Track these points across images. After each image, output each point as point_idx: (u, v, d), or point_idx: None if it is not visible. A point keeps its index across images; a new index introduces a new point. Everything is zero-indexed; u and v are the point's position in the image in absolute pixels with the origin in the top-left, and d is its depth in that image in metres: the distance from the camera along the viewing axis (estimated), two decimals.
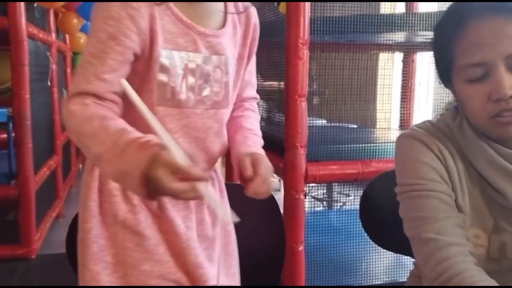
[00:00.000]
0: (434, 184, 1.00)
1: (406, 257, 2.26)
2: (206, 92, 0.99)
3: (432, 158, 1.02)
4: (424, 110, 2.45)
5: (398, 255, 2.33)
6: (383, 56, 2.58)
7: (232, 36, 1.05)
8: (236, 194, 1.26)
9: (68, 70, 4.81)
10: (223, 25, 1.03)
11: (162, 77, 0.92)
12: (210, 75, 0.99)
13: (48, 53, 3.82)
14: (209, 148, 1.04)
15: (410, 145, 1.05)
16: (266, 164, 0.99)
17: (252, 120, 1.15)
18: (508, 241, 1.02)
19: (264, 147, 1.12)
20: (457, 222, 0.98)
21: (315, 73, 2.42)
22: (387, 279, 2.31)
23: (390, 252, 2.35)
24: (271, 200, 1.38)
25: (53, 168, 3.82)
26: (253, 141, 1.08)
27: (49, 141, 3.90)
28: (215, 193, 0.84)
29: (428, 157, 1.02)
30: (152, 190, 0.77)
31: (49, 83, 3.85)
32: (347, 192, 4.22)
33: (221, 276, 1.06)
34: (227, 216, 0.82)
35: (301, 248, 2.01)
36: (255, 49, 1.14)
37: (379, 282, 2.28)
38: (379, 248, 2.36)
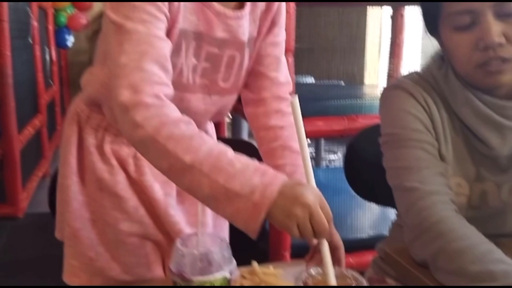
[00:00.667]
0: (417, 133, 1.00)
1: (390, 211, 2.29)
2: (212, 77, 0.92)
3: (417, 108, 1.01)
4: (413, 66, 2.44)
5: (383, 209, 2.37)
6: (371, 12, 2.54)
7: (251, 11, 0.94)
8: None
9: (50, 27, 4.68)
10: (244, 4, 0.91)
11: (174, 58, 0.85)
12: (221, 60, 0.92)
13: (28, 9, 3.70)
14: (201, 127, 1.01)
15: (395, 95, 1.05)
16: (338, 240, 0.90)
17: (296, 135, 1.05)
18: (489, 189, 1.03)
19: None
20: (439, 171, 0.99)
21: (303, 30, 2.38)
22: (372, 233, 2.35)
23: (375, 207, 2.39)
24: (258, 157, 1.38)
25: (37, 128, 3.77)
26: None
27: (33, 100, 3.84)
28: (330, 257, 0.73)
29: (413, 106, 1.01)
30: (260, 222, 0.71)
31: (30, 40, 3.74)
32: (334, 150, 4.25)
33: None
34: (333, 279, 0.72)
35: None
36: (281, 22, 0.98)
37: (364, 236, 2.32)
38: (365, 203, 2.40)
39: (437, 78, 1.04)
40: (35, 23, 3.83)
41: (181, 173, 0.73)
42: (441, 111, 1.02)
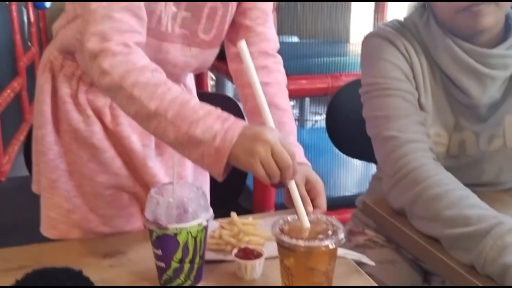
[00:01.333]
0: (397, 82, 0.99)
1: (373, 168, 2.32)
2: (193, 27, 0.89)
3: (397, 56, 1.00)
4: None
5: (365, 168, 2.40)
6: None
7: None
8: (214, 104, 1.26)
9: None
10: None
11: (152, 4, 0.82)
12: (202, 11, 0.88)
13: None
14: (181, 80, 0.99)
15: (375, 43, 1.03)
16: (321, 186, 0.88)
17: (284, 93, 0.97)
18: (467, 138, 1.03)
19: (225, 59, 1.05)
20: (418, 119, 0.98)
21: None
22: (355, 191, 2.38)
23: (358, 166, 2.41)
24: (238, 110, 1.36)
25: (17, 91, 3.69)
26: (293, 134, 0.94)
27: (11, 62, 3.74)
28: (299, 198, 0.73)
29: (393, 55, 1.00)
30: (228, 168, 0.73)
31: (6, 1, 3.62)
32: (319, 111, 4.24)
33: None
34: (306, 221, 0.72)
35: None
36: None
37: (348, 194, 2.35)
38: (348, 162, 2.42)
39: (418, 26, 1.02)
40: None
41: (147, 119, 0.75)
42: (421, 59, 1.01)
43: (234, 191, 1.64)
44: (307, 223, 0.71)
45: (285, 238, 0.67)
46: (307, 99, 3.51)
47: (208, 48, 0.95)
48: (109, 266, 0.83)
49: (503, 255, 0.75)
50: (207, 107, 0.75)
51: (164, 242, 0.73)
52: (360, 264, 0.85)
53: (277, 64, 0.99)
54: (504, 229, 0.77)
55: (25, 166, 1.12)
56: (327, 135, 1.56)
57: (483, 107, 1.02)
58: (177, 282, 0.75)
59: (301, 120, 3.63)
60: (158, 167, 0.95)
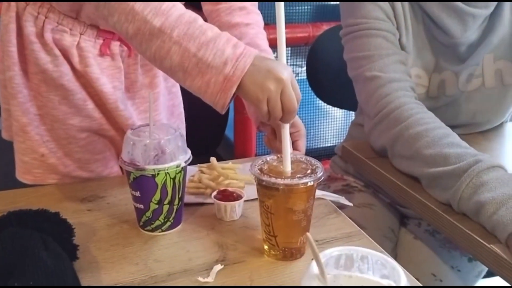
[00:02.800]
0: (379, 22, 0.98)
1: (353, 118, 2.33)
2: None
3: (386, 9, 0.98)
4: None
5: (346, 119, 2.40)
6: None
7: None
8: None
9: None
10: None
11: None
12: None
13: None
14: None
15: None
16: (303, 129, 0.84)
17: (263, 35, 0.92)
18: (447, 78, 1.04)
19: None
20: (400, 59, 0.98)
21: None
22: (336, 142, 2.39)
23: (339, 117, 2.42)
24: None
25: None
26: None
27: None
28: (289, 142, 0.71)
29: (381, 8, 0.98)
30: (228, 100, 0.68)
31: None
32: (300, 64, 4.21)
33: None
34: (288, 166, 0.70)
35: None
36: None
37: (329, 144, 2.36)
38: (329, 114, 2.42)
39: None
40: None
41: (149, 38, 0.68)
42: None
43: (212, 141, 1.63)
44: (289, 168, 0.70)
45: (265, 178, 0.67)
46: (288, 51, 3.46)
47: None
48: (87, 210, 0.82)
49: (478, 192, 0.77)
50: (216, 29, 0.69)
51: (142, 184, 0.72)
52: (338, 206, 0.86)
53: (254, 7, 0.95)
54: (482, 167, 0.78)
55: None
56: (308, 87, 1.55)
57: (463, 47, 1.02)
58: (156, 223, 0.75)
59: None
60: (131, 110, 0.93)
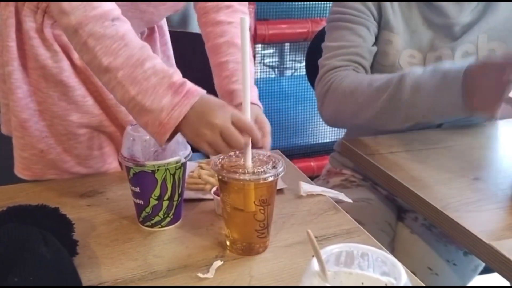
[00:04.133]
0: (353, 13, 1.06)
1: None
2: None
3: None
4: None
5: None
6: None
7: None
8: (182, 42, 1.22)
9: None
10: None
11: None
12: None
13: None
14: (154, 21, 0.96)
15: None
16: (268, 126, 0.81)
17: None
18: (443, 54, 1.08)
19: None
20: (356, 51, 1.07)
21: None
22: (333, 138, 2.39)
23: None
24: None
25: None
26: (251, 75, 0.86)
27: None
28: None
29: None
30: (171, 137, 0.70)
31: None
32: (299, 59, 4.20)
33: None
34: (249, 162, 0.69)
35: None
36: None
37: (326, 140, 2.36)
38: None
39: None
40: None
41: (98, 72, 0.72)
42: None
43: None
44: (249, 163, 0.69)
45: (224, 173, 0.66)
46: (287, 46, 3.46)
47: None
48: (87, 206, 0.82)
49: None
50: (162, 72, 0.70)
51: (141, 179, 0.72)
52: (338, 201, 0.86)
53: (242, 6, 0.95)
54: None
55: None
56: (307, 82, 1.55)
57: (458, 27, 1.07)
58: (156, 219, 0.75)
59: (280, 68, 3.60)
60: None
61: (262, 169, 0.66)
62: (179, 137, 0.74)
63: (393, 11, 1.05)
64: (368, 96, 0.99)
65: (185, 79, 0.71)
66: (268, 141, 0.79)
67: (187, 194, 0.82)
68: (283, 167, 0.68)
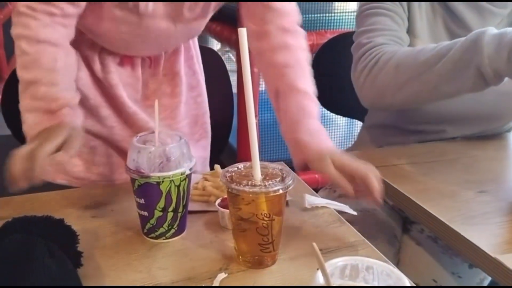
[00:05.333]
0: (389, 4, 1.06)
1: (356, 126, 2.33)
2: (177, 6, 0.83)
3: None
4: None
5: (349, 126, 2.40)
6: None
7: None
8: None
9: None
10: None
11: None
12: None
13: None
14: (167, 48, 0.96)
15: None
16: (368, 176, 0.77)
17: (304, 72, 0.89)
18: None
19: (214, 19, 0.99)
20: (398, 35, 1.05)
21: None
22: (340, 148, 2.39)
23: (342, 125, 2.42)
24: (221, 64, 1.34)
25: None
26: (312, 117, 0.85)
27: None
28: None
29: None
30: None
31: None
32: None
33: None
34: (258, 174, 0.68)
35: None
36: None
37: None
38: (332, 122, 2.42)
39: None
40: None
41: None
42: None
43: (217, 148, 1.63)
44: (259, 176, 0.68)
45: (233, 185, 0.66)
46: None
47: (194, 21, 0.91)
48: (92, 217, 0.82)
49: (503, 37, 0.85)
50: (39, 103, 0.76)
51: (146, 191, 0.72)
52: (342, 213, 0.86)
53: (298, 39, 0.91)
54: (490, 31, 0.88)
55: (4, 125, 1.10)
56: None
57: None
58: (160, 231, 0.75)
59: None
60: (150, 117, 0.95)
61: (271, 182, 0.66)
62: (184, 148, 0.74)
63: (420, 17, 1.06)
64: (433, 57, 0.93)
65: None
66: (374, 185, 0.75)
67: (192, 206, 0.82)
68: (293, 180, 0.67)
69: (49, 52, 0.77)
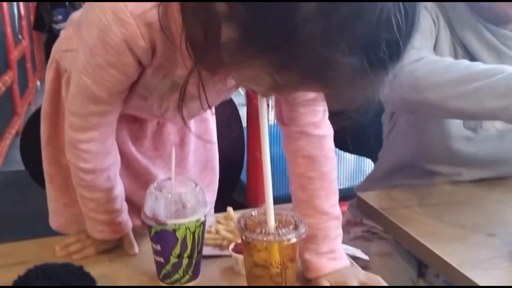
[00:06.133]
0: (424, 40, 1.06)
1: (364, 163, 2.34)
2: (189, 106, 0.78)
3: (429, 21, 1.07)
4: None
5: (357, 162, 2.42)
6: None
7: None
8: None
9: None
10: None
11: (143, 92, 0.78)
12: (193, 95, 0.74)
13: None
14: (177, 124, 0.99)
15: None
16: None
17: (326, 185, 0.81)
18: None
19: None
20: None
21: None
22: (348, 184, 2.40)
23: (350, 160, 2.43)
24: (232, 105, 1.37)
25: (8, 84, 3.67)
26: (326, 242, 0.80)
27: (2, 55, 3.72)
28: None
29: (425, 19, 1.06)
30: None
31: None
32: None
33: None
34: (272, 221, 0.69)
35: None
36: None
37: (340, 187, 2.36)
38: (340, 156, 2.44)
39: (445, 5, 1.10)
40: None
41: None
42: (446, 32, 1.09)
43: (229, 186, 1.66)
44: (272, 223, 0.69)
45: (246, 233, 0.68)
46: None
47: (200, 115, 0.96)
48: (109, 261, 0.84)
49: None
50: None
51: (162, 238, 0.74)
52: (355, 258, 0.87)
53: (322, 141, 0.81)
54: None
55: (16, 161, 1.13)
56: None
57: None
58: (176, 277, 0.77)
59: None
60: (159, 167, 0.97)
61: (285, 230, 0.68)
62: (199, 195, 0.76)
63: (442, 44, 1.08)
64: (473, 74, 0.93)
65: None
66: None
67: (206, 250, 0.84)
68: (306, 228, 0.69)
69: (103, 176, 0.82)
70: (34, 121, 1.08)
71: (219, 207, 1.15)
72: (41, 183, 0.99)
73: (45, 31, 3.24)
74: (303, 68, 0.51)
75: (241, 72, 0.57)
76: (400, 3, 0.48)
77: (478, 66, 0.95)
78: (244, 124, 1.66)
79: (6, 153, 3.34)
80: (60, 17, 3.14)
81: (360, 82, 0.51)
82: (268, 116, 0.74)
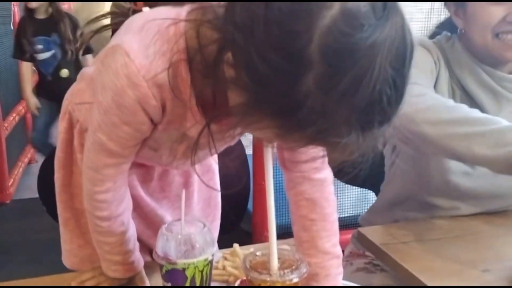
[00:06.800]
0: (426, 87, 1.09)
1: (369, 192, 2.37)
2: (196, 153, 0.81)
3: (429, 60, 1.12)
4: None
5: (362, 191, 2.45)
6: None
7: None
8: None
9: None
10: None
11: (153, 144, 0.83)
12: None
13: None
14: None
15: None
16: None
17: (328, 226, 0.86)
18: None
19: None
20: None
21: None
22: (352, 212, 2.43)
23: (354, 188, 2.46)
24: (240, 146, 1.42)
25: (22, 114, 3.77)
26: (327, 280, 0.85)
27: (16, 86, 3.82)
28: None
29: (427, 60, 1.12)
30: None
31: (11, 27, 3.71)
32: None
33: None
34: (275, 262, 0.73)
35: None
36: None
37: (345, 215, 2.40)
38: (342, 187, 2.47)
39: (445, 48, 1.15)
40: (16, 9, 3.79)
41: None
42: (446, 73, 1.13)
43: (237, 216, 1.70)
44: (275, 263, 0.73)
45: (251, 273, 0.72)
46: None
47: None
48: None
49: None
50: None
51: (173, 276, 0.79)
52: None
53: (323, 184, 0.86)
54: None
55: (29, 189, 1.18)
56: None
57: None
58: None
59: None
60: (165, 208, 1.02)
61: (287, 271, 0.73)
62: (207, 235, 0.81)
63: (441, 84, 1.12)
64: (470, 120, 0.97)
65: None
66: None
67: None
68: (307, 268, 0.74)
69: (118, 221, 0.87)
70: (49, 162, 1.12)
71: (226, 238, 1.19)
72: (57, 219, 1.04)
73: (27, 59, 3.12)
74: (305, 135, 0.55)
75: (248, 127, 0.62)
76: (389, 76, 0.53)
77: (477, 113, 0.99)
78: (250, 151, 1.69)
79: (19, 181, 3.40)
80: (40, 46, 3.03)
81: (361, 140, 0.56)
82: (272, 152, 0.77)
